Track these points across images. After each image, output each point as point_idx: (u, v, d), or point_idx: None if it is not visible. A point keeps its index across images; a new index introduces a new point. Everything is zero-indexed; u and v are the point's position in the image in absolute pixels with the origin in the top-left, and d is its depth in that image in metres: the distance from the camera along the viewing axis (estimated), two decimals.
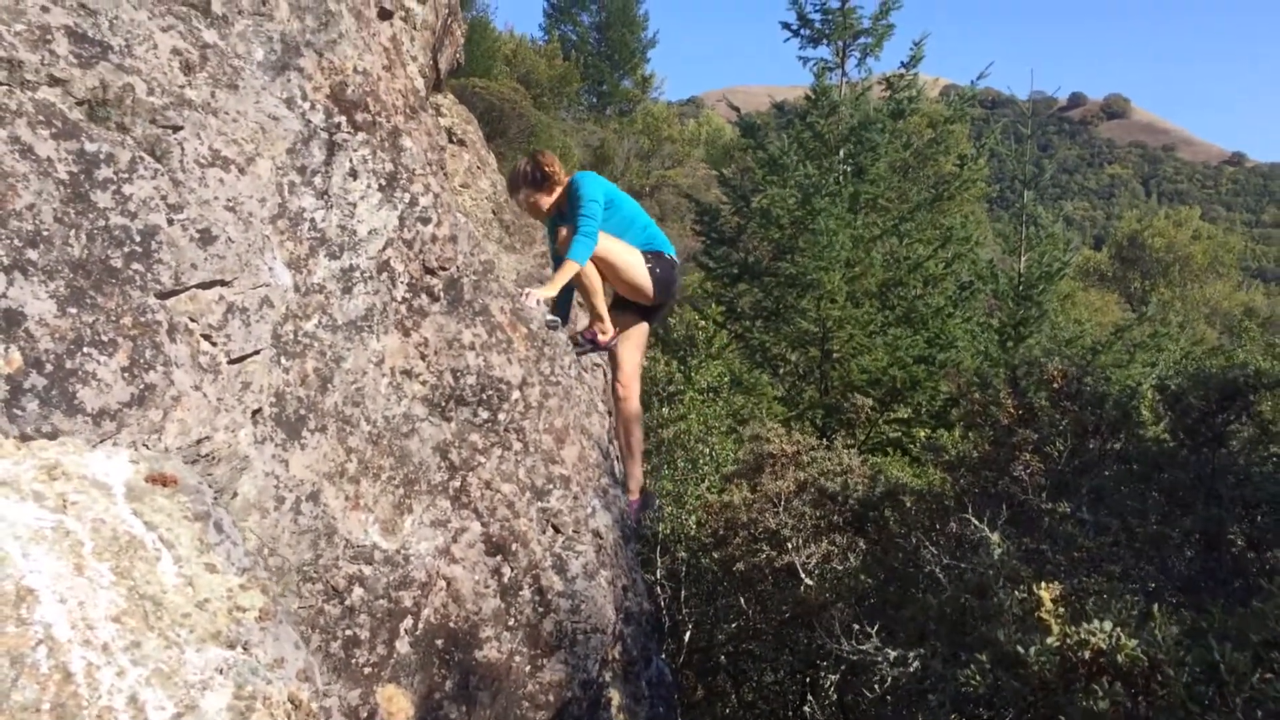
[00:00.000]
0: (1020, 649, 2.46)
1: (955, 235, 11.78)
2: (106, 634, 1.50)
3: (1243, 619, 2.25)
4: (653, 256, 5.35)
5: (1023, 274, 12.67)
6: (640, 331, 5.59)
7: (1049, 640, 2.38)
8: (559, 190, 5.37)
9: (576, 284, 5.26)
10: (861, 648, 3.57)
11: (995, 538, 3.50)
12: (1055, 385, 4.64)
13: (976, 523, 3.48)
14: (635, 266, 5.29)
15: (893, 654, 3.48)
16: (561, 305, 5.49)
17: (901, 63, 12.71)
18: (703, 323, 13.12)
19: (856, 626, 4.05)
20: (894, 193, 11.87)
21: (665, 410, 10.66)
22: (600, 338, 5.41)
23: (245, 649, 1.64)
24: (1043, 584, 2.57)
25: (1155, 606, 2.42)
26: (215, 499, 2.12)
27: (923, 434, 10.25)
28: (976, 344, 12.11)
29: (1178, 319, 14.63)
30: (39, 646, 1.50)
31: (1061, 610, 2.49)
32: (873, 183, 11.67)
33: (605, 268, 5.22)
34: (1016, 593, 2.84)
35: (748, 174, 16.64)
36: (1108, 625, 2.31)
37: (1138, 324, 12.33)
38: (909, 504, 5.25)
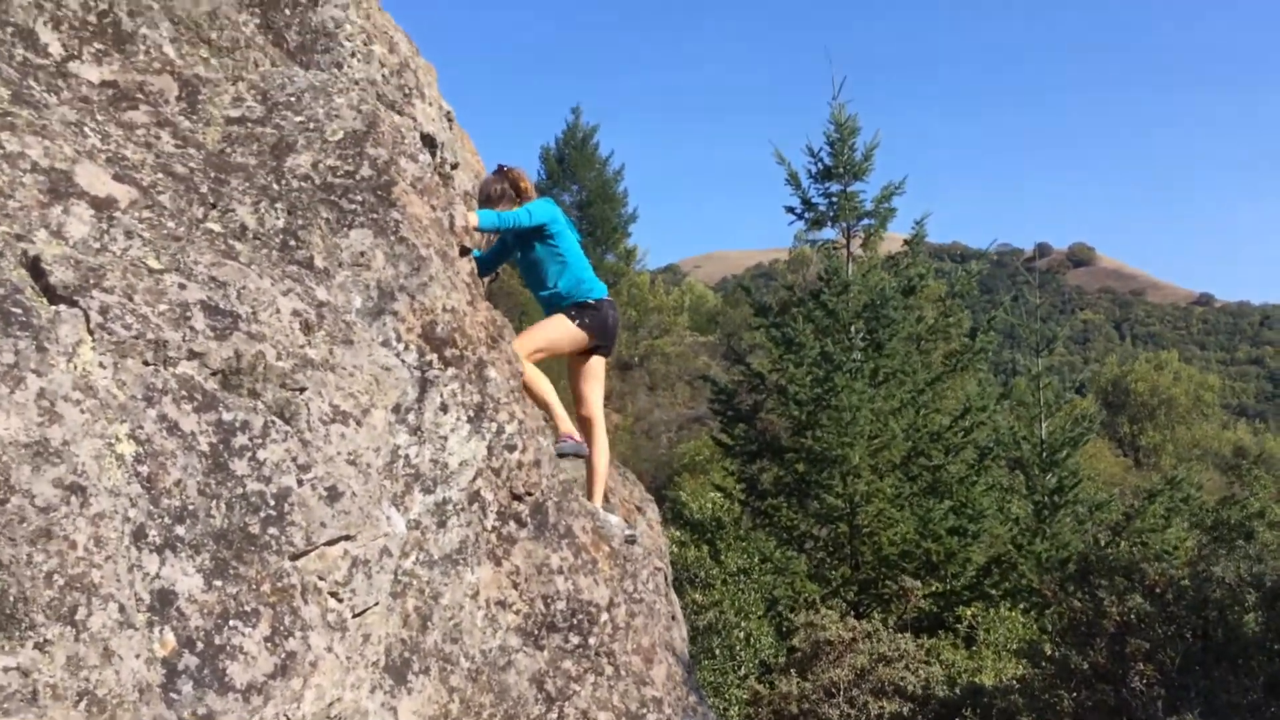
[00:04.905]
0: None
1: (973, 405, 11.98)
2: None
3: None
4: (576, 309, 5.35)
5: (1045, 440, 12.83)
6: (595, 366, 5.53)
7: None
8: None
9: (534, 400, 5.28)
10: None
11: None
12: (1159, 590, 4.64)
13: None
14: (559, 335, 5.36)
15: None
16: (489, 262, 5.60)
17: (905, 240, 13.20)
18: (727, 503, 13.10)
19: None
20: (909, 365, 12.12)
21: (698, 596, 10.53)
22: (575, 438, 5.32)
23: None
24: None
25: None
26: None
27: (968, 613, 10.14)
28: (1005, 511, 12.13)
29: (1195, 476, 14.57)
30: None
31: None
32: (889, 356, 11.94)
33: (541, 356, 5.27)
34: None
35: (735, 338, 16.92)
36: None
37: (1169, 488, 12.36)
38: None
